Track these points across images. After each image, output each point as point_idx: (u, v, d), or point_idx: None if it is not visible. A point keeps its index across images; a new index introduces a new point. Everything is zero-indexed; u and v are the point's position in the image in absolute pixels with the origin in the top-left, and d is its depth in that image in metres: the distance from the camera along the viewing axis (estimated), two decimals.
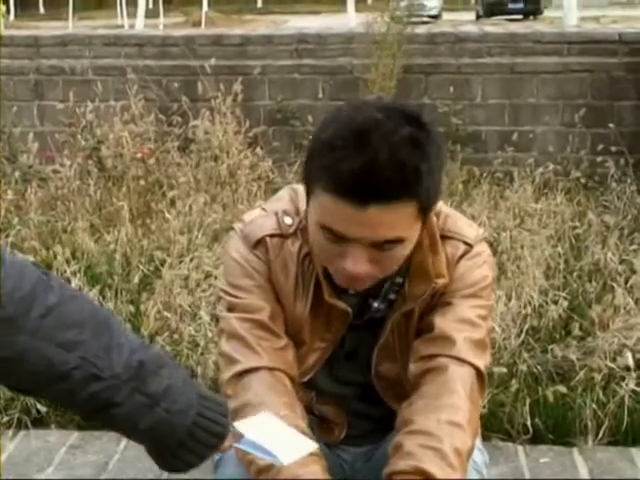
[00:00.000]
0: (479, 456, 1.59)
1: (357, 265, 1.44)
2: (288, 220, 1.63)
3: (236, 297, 1.62)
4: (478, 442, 1.62)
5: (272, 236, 1.62)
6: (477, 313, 1.58)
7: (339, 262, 1.47)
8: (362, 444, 1.80)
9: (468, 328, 1.55)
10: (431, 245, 1.58)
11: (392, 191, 1.37)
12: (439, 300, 1.61)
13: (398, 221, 1.41)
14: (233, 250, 1.66)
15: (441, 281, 1.57)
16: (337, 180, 1.37)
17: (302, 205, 1.64)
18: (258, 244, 1.62)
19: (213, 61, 5.59)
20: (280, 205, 1.67)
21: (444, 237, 1.61)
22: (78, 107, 5.28)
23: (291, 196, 1.69)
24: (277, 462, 1.28)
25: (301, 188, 1.71)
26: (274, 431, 1.34)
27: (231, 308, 1.63)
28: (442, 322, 1.55)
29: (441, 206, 1.65)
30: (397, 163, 1.36)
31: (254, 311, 1.58)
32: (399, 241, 1.44)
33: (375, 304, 1.61)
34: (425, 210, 1.45)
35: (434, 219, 1.60)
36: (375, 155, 1.35)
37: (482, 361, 1.55)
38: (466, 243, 1.62)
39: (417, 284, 1.58)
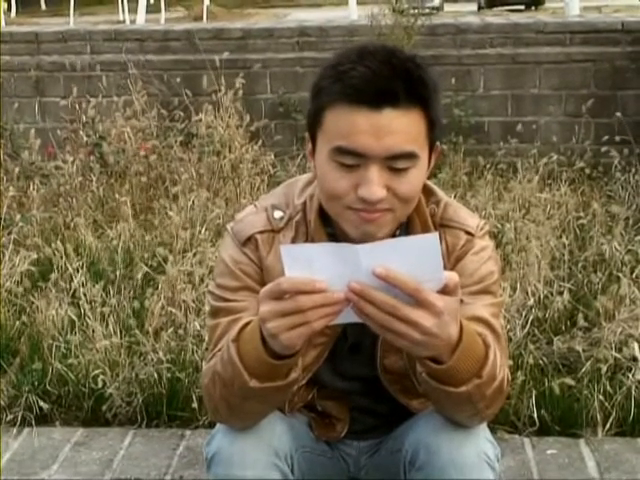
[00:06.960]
0: (491, 450, 1.56)
1: (373, 188, 1.44)
2: (278, 214, 1.62)
3: (222, 298, 1.61)
4: (489, 435, 1.60)
5: (262, 232, 1.62)
6: (491, 312, 1.58)
7: (353, 197, 1.46)
8: (366, 438, 1.78)
9: (484, 327, 1.52)
10: (422, 226, 1.58)
11: (402, 93, 1.42)
12: None
13: (410, 130, 1.44)
14: (223, 250, 1.66)
15: None
16: (350, 86, 1.42)
17: (296, 197, 1.63)
18: (248, 242, 1.62)
19: (222, 55, 5.56)
20: (271, 200, 1.67)
21: (444, 226, 1.61)
22: (80, 103, 5.27)
23: (284, 190, 1.68)
24: None
25: (297, 179, 1.70)
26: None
27: (217, 311, 1.61)
28: None
29: (442, 196, 1.65)
30: (404, 71, 1.44)
31: (238, 312, 1.57)
32: (412, 157, 1.45)
33: None
34: (433, 128, 1.49)
35: (426, 208, 1.60)
36: (382, 65, 1.43)
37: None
38: (467, 232, 1.62)
39: None
